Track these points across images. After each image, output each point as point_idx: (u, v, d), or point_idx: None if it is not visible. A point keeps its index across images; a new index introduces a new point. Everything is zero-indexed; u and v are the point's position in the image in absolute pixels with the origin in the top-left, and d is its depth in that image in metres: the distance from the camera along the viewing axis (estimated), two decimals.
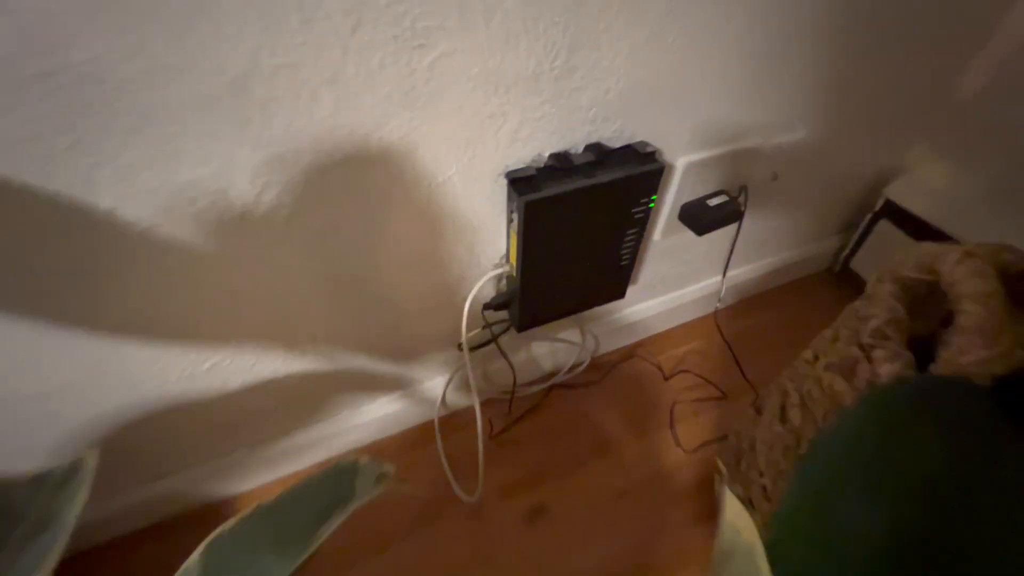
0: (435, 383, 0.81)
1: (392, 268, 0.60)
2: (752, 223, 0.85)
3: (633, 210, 0.59)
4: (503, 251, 0.65)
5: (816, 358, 0.55)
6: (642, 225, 0.62)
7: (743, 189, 0.75)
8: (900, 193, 0.93)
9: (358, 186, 0.50)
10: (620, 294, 0.72)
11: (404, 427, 0.85)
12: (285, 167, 0.45)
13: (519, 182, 0.53)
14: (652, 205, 0.59)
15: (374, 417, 0.79)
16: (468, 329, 0.70)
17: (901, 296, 0.47)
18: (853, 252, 1.04)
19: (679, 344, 0.98)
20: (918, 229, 0.91)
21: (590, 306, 0.71)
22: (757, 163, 0.74)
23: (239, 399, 0.65)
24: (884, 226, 0.96)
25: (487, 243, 0.63)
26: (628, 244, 0.63)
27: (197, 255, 0.48)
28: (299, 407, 0.72)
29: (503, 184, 0.57)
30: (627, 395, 0.90)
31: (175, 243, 0.46)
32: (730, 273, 0.97)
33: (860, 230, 1.01)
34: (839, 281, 1.09)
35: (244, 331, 0.57)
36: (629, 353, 0.96)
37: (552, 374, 0.92)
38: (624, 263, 0.66)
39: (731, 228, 0.77)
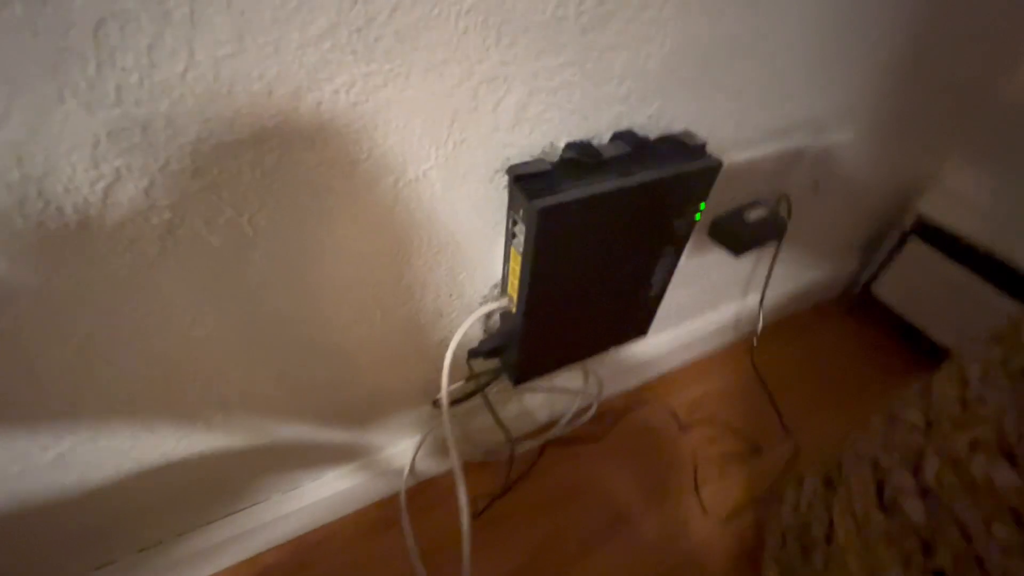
0: (400, 448, 0.62)
1: (337, 304, 0.41)
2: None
3: (675, 222, 0.43)
4: (496, 279, 0.48)
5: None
6: (682, 242, 0.46)
7: (784, 199, 0.62)
8: (935, 207, 0.82)
9: (284, 180, 0.32)
10: (643, 330, 0.56)
11: (359, 505, 0.65)
12: (152, 146, 0.27)
13: (528, 181, 0.36)
14: (699, 217, 0.44)
15: (317, 499, 0.59)
16: (449, 380, 0.52)
17: None
18: (876, 275, 0.93)
19: (693, 384, 0.83)
20: (957, 249, 0.80)
21: (606, 348, 0.55)
22: (799, 168, 0.61)
23: (110, 496, 0.44)
24: (915, 245, 0.85)
25: (474, 267, 0.46)
26: (662, 267, 0.48)
27: None
28: (207, 496, 0.52)
29: (501, 184, 0.40)
30: (639, 452, 0.74)
31: None
32: (741, 302, 0.83)
33: (886, 250, 0.90)
34: (857, 309, 0.98)
35: (106, 401, 0.38)
36: (637, 398, 0.80)
37: (546, 427, 0.74)
38: (654, 292, 0.50)
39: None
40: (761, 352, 0.85)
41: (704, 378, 0.83)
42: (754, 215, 0.58)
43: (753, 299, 0.82)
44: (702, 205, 0.43)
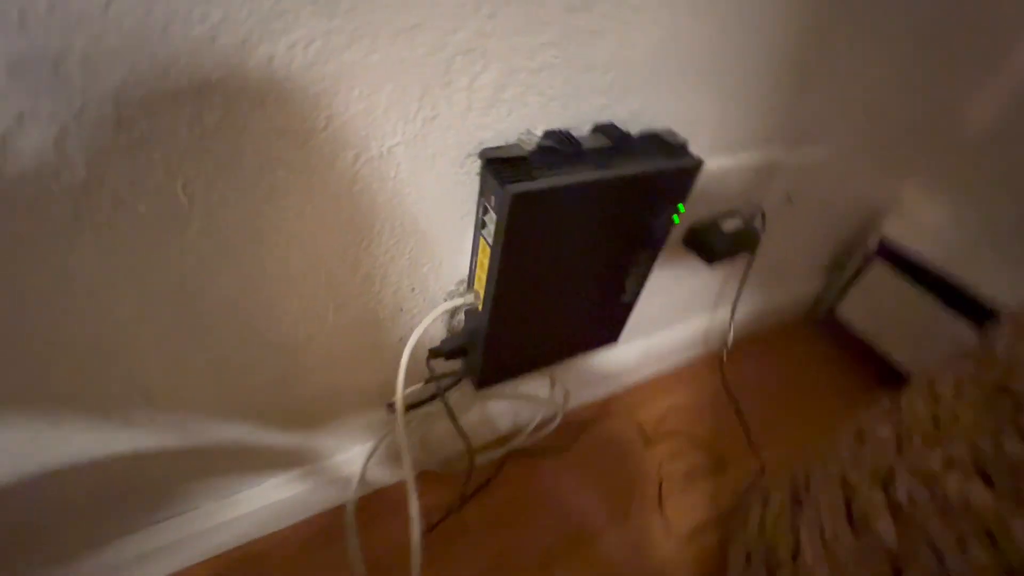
0: (350, 455, 0.58)
1: (284, 292, 0.38)
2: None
3: (653, 223, 0.42)
4: (463, 274, 0.45)
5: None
6: (658, 246, 0.45)
7: (759, 212, 0.61)
8: (897, 231, 0.84)
9: (228, 144, 0.29)
10: (614, 337, 0.54)
11: (302, 516, 0.60)
12: (66, 88, 0.23)
13: (502, 166, 0.34)
14: (677, 220, 0.42)
15: (254, 508, 0.54)
16: (405, 383, 0.49)
17: None
18: (841, 297, 0.94)
19: (660, 397, 0.81)
20: (919, 273, 0.82)
21: (575, 353, 0.52)
22: (774, 180, 0.61)
23: (17, 496, 0.39)
24: (879, 268, 0.87)
25: (440, 259, 0.43)
26: (637, 272, 0.46)
27: None
28: (125, 503, 0.46)
29: (472, 169, 0.37)
30: (603, 465, 0.71)
31: None
32: (711, 315, 0.82)
33: (850, 272, 0.91)
34: (822, 331, 0.99)
35: (6, 383, 0.32)
36: (604, 409, 0.78)
37: (507, 437, 0.71)
38: (627, 298, 0.48)
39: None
40: (729, 367, 0.85)
41: (671, 391, 0.82)
42: (730, 225, 0.58)
43: (723, 313, 0.81)
44: (680, 207, 0.42)
